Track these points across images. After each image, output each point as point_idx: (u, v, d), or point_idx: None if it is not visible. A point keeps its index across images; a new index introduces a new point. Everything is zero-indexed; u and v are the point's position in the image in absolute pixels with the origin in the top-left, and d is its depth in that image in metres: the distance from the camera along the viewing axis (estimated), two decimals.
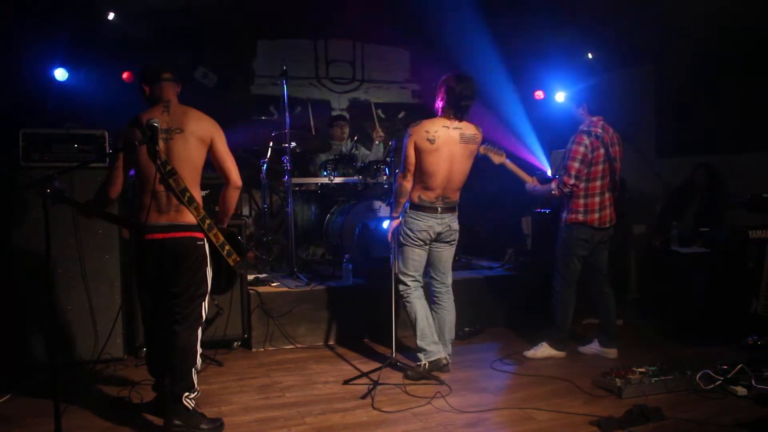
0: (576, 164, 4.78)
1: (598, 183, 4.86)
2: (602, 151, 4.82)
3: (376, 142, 7.48)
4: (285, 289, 5.58)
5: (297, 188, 6.95)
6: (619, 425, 3.60)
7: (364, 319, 5.60)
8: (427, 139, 4.38)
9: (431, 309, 4.73)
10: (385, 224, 6.01)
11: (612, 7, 6.72)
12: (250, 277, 5.67)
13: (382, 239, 5.99)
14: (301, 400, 4.14)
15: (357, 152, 7.34)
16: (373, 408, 3.97)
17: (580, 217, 4.89)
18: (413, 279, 4.65)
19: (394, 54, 9.03)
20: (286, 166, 6.23)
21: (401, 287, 4.66)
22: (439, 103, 4.51)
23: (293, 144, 6.37)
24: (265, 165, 6.73)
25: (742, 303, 5.25)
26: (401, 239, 4.61)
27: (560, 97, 7.63)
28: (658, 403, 3.84)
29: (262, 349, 5.34)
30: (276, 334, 5.39)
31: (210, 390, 4.35)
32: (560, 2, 7.07)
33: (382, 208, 6.43)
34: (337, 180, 6.56)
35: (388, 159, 6.69)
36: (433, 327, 4.63)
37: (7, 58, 6.23)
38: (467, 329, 5.63)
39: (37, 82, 6.05)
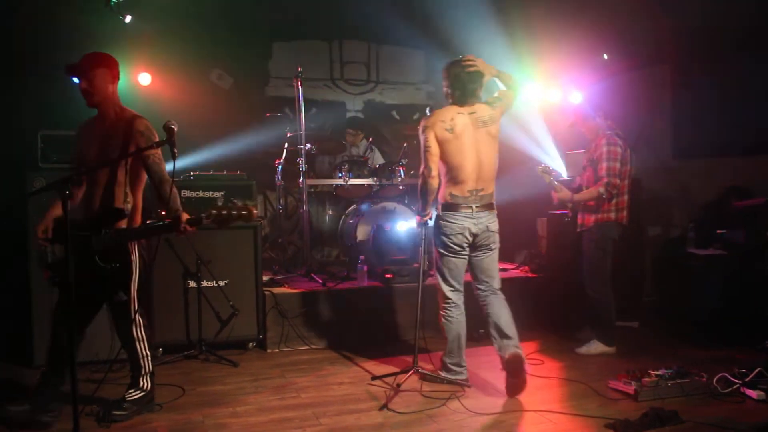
0: (618, 165, 4.99)
1: (626, 182, 5.10)
2: (628, 152, 5.08)
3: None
4: (300, 290, 5.60)
5: (312, 190, 6.97)
6: (635, 428, 3.57)
7: (379, 321, 5.60)
8: (445, 129, 4.13)
9: (485, 316, 4.37)
10: (401, 226, 6.05)
11: (627, 8, 6.69)
12: (265, 278, 5.69)
13: (397, 241, 6.01)
14: (316, 401, 4.16)
15: (372, 154, 7.34)
16: (388, 409, 3.97)
17: (612, 215, 5.08)
18: (453, 289, 4.34)
19: (408, 55, 9.03)
20: (301, 167, 6.25)
21: (444, 301, 4.36)
22: (447, 91, 4.29)
23: (308, 145, 6.39)
24: (281, 167, 6.76)
25: (760, 305, 5.20)
26: (437, 248, 4.33)
27: (576, 98, 7.60)
28: (674, 406, 3.81)
29: (277, 350, 5.36)
30: (291, 335, 5.41)
31: (225, 390, 4.38)
32: (576, 3, 7.04)
33: (397, 210, 6.44)
34: (352, 182, 6.57)
35: (402, 161, 6.71)
36: (463, 348, 4.36)
37: (24, 60, 6.30)
38: (482, 331, 5.59)
39: (55, 84, 6.09)
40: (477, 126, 4.18)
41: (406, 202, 6.66)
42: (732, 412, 3.86)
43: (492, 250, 4.32)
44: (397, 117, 8.81)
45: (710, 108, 6.65)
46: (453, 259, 4.28)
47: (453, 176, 4.19)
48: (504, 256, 7.11)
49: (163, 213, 3.70)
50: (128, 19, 6.22)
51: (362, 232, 6.29)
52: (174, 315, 5.15)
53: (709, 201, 6.40)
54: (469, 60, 4.24)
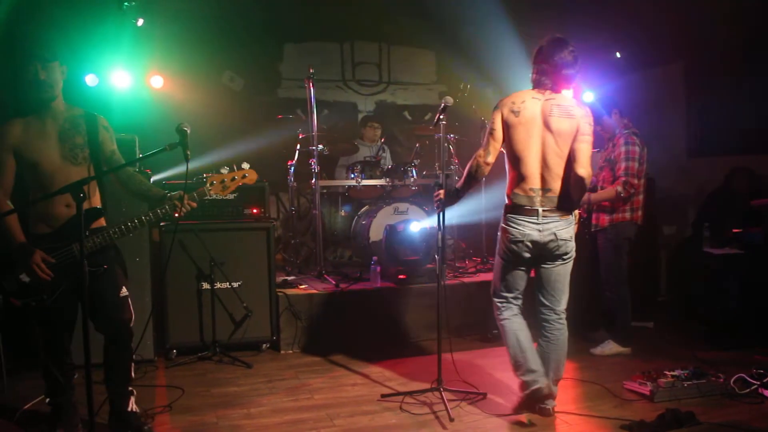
0: (636, 164, 4.92)
1: (642, 181, 5.02)
2: (645, 150, 5.01)
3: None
4: (313, 291, 5.60)
5: (324, 191, 6.97)
6: (651, 430, 3.55)
7: (392, 321, 5.59)
8: (512, 111, 3.59)
9: (538, 342, 3.87)
10: (414, 227, 6.03)
11: (640, 5, 6.65)
12: (279, 280, 5.70)
13: (410, 241, 6.00)
14: (330, 402, 4.15)
15: (384, 154, 7.35)
16: (402, 411, 3.96)
17: (627, 215, 5.04)
18: (505, 300, 3.84)
19: (420, 55, 9.03)
20: (314, 168, 6.26)
21: (496, 309, 3.89)
22: (534, 77, 3.70)
23: (320, 147, 6.39)
24: (293, 168, 6.77)
25: None
26: (497, 253, 3.84)
27: (588, 97, 7.56)
28: (691, 407, 3.78)
29: (291, 351, 5.36)
30: (304, 336, 5.41)
31: (240, 392, 4.38)
32: (588, 1, 7.01)
33: (410, 210, 6.44)
34: (365, 182, 6.58)
35: (414, 162, 6.70)
36: (527, 350, 3.74)
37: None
38: (496, 331, 5.58)
39: (69, 89, 6.13)
40: (549, 113, 3.58)
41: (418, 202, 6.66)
42: (750, 413, 3.82)
43: (564, 261, 3.72)
44: (409, 117, 8.81)
45: (724, 106, 6.60)
46: (511, 268, 3.78)
47: (515, 170, 3.66)
48: None
49: (159, 210, 3.45)
50: (141, 22, 6.27)
51: (375, 233, 6.29)
52: (188, 316, 5.16)
53: (725, 199, 6.35)
54: (565, 42, 3.66)
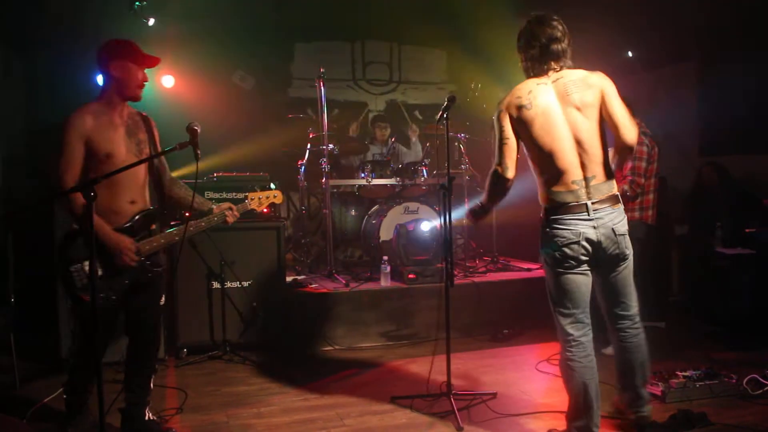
0: (643, 164, 4.88)
1: (652, 180, 5.00)
2: (655, 149, 4.98)
3: (413, 140, 7.58)
4: (323, 290, 5.61)
5: (335, 190, 6.97)
6: (662, 430, 3.52)
7: (402, 321, 5.59)
8: (521, 106, 3.14)
9: (614, 349, 3.52)
10: (424, 226, 6.03)
11: (652, 4, 6.62)
12: (289, 279, 5.71)
13: (420, 241, 6.00)
14: (340, 402, 4.15)
15: (395, 153, 7.35)
16: (413, 411, 3.96)
17: (636, 214, 5.00)
18: (573, 320, 3.22)
19: (430, 55, 9.02)
20: (324, 168, 6.26)
21: (564, 338, 3.28)
22: (525, 65, 3.28)
23: (331, 146, 6.40)
24: (303, 167, 6.78)
25: None
26: (545, 264, 3.29)
27: None
28: (703, 408, 3.75)
29: (300, 351, 5.36)
30: (314, 335, 5.41)
31: (249, 391, 4.39)
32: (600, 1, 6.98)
33: (420, 210, 6.44)
34: (375, 182, 6.57)
35: (426, 161, 6.70)
36: (593, 404, 3.23)
37: (51, 66, 6.38)
38: (506, 331, 5.59)
39: (80, 87, 6.17)
40: (566, 92, 3.14)
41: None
42: (763, 414, 3.78)
43: (626, 262, 3.25)
44: (420, 117, 8.80)
45: (736, 104, 6.55)
46: (571, 275, 3.18)
47: (548, 168, 3.17)
48: (528, 256, 7.09)
49: (187, 214, 3.58)
50: (152, 22, 6.29)
51: (385, 232, 6.30)
52: (198, 316, 5.18)
53: (737, 199, 6.31)
54: (548, 16, 3.27)
